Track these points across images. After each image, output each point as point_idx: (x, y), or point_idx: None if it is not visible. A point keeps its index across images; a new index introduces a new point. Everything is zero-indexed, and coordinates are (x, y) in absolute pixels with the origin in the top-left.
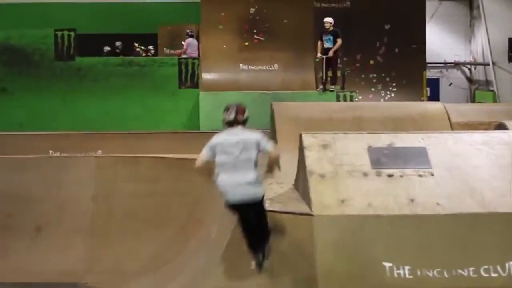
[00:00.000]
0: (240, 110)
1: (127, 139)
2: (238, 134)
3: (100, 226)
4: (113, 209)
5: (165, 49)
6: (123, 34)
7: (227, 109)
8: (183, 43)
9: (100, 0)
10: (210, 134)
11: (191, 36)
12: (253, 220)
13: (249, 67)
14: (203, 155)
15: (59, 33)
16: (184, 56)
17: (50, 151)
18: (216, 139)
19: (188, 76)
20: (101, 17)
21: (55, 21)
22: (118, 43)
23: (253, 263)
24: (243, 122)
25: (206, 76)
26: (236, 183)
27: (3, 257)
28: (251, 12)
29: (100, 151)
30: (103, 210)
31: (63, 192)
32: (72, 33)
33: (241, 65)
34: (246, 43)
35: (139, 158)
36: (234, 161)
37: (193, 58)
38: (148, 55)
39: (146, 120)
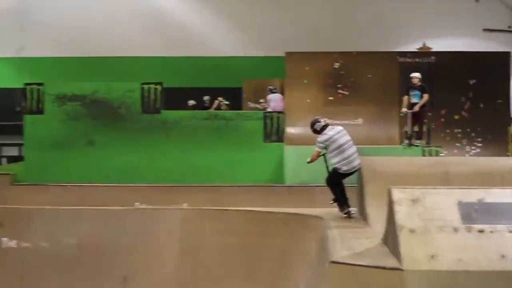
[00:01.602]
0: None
1: (212, 192)
2: None
3: (186, 278)
4: (200, 261)
5: (249, 103)
6: (207, 88)
7: (318, 121)
8: (267, 98)
9: (185, 54)
10: (295, 187)
11: (274, 92)
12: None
13: (333, 121)
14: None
15: (145, 87)
16: (269, 110)
17: (136, 203)
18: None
19: (273, 130)
20: (186, 70)
21: (142, 75)
22: (206, 98)
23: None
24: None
25: (290, 130)
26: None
27: None
28: (335, 66)
29: (185, 204)
30: (190, 262)
31: (150, 243)
32: (159, 87)
33: (325, 119)
34: (330, 97)
35: (225, 211)
36: None
37: (278, 112)
38: (221, 109)
39: (231, 173)
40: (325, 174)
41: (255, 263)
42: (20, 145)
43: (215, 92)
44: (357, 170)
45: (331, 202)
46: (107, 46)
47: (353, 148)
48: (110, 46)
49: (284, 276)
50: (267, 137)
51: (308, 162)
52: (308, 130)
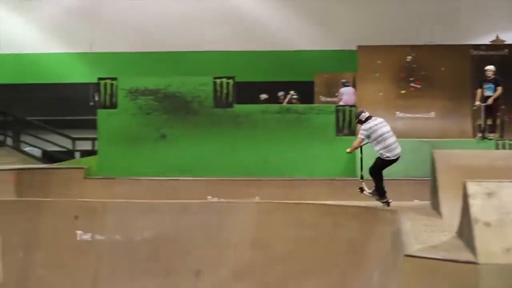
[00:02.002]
0: None
1: (284, 186)
2: None
3: (260, 272)
4: (272, 255)
5: (321, 96)
6: (279, 82)
7: (363, 112)
8: (339, 91)
9: (257, 48)
10: (367, 181)
11: (346, 86)
12: None
13: (406, 114)
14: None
15: (218, 81)
16: (341, 103)
17: (209, 197)
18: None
19: (345, 124)
20: (258, 65)
21: (214, 69)
22: (280, 93)
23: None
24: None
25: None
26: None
27: None
28: (408, 60)
29: (257, 197)
30: (262, 256)
31: (222, 237)
32: (231, 81)
33: (397, 112)
34: (403, 91)
35: (299, 204)
36: None
37: (350, 106)
38: (292, 102)
39: (303, 167)
40: (396, 167)
41: (328, 257)
42: (93, 139)
43: (286, 86)
44: (398, 159)
45: (361, 191)
46: (180, 40)
47: (394, 138)
48: (183, 41)
49: (357, 269)
50: (339, 130)
51: (348, 152)
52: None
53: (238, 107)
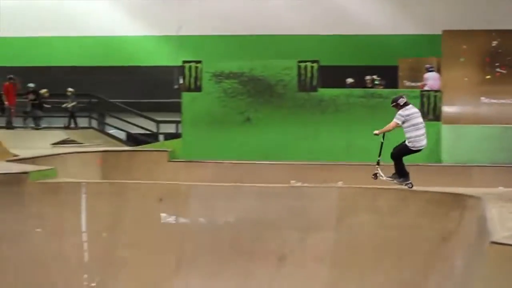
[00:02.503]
0: None
1: (368, 171)
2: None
3: (342, 257)
4: (355, 240)
5: (405, 81)
6: (362, 66)
7: (401, 96)
8: (424, 76)
9: (341, 32)
10: (452, 167)
11: (431, 71)
12: None
13: (491, 100)
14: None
15: (302, 65)
16: (425, 88)
17: (292, 181)
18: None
19: (430, 109)
20: (341, 49)
21: (298, 53)
22: (367, 77)
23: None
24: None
25: (447, 109)
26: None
27: (246, 281)
28: (493, 45)
29: (341, 182)
30: (345, 241)
31: (306, 221)
32: (315, 65)
33: (482, 98)
34: (488, 76)
35: (382, 190)
36: None
37: (435, 91)
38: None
39: (387, 152)
40: (481, 154)
41: (410, 243)
42: (177, 122)
43: (370, 71)
44: (421, 150)
45: (375, 177)
46: (265, 24)
47: (424, 130)
48: (267, 24)
49: (440, 256)
50: (424, 116)
51: (376, 134)
52: (467, 109)
53: (322, 91)
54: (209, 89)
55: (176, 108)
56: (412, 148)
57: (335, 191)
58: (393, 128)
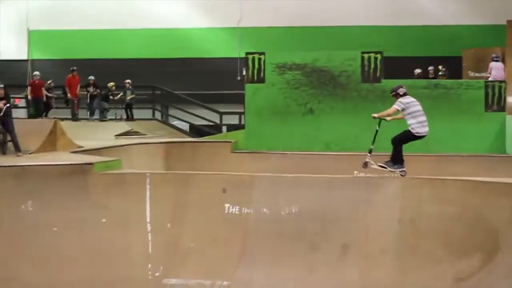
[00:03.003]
0: None
1: (431, 162)
2: None
3: (406, 248)
4: (419, 231)
5: (469, 72)
6: (426, 58)
7: (401, 86)
8: (489, 66)
9: (404, 23)
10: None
11: (496, 61)
12: None
13: None
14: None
15: (365, 56)
16: (490, 79)
17: (355, 172)
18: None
19: (495, 99)
20: (405, 40)
21: (362, 44)
22: (430, 68)
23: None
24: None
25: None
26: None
27: (310, 272)
28: None
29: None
30: (409, 232)
31: (369, 212)
32: (379, 56)
33: None
34: None
35: (445, 180)
36: None
37: (500, 82)
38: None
39: (450, 142)
40: None
41: (473, 234)
42: (240, 113)
43: (434, 62)
44: (425, 137)
45: (365, 166)
46: (327, 15)
47: (425, 117)
48: (330, 16)
49: (505, 249)
50: (488, 106)
51: (375, 117)
52: None
53: (386, 82)
54: (272, 81)
55: (238, 99)
56: (416, 134)
57: (399, 181)
58: (393, 113)
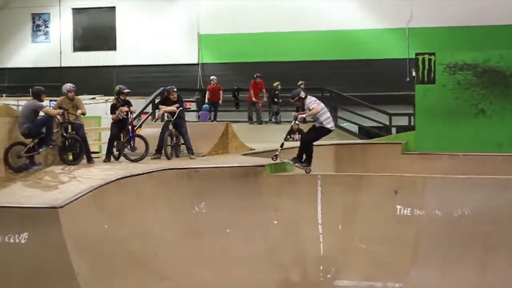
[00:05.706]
0: None
1: None
2: None
3: None
4: None
5: None
6: None
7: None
8: None
9: None
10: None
11: None
12: None
13: None
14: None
15: None
16: None
17: None
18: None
19: None
20: None
21: None
22: None
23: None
24: None
25: None
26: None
27: (483, 273)
28: None
29: None
30: None
31: None
32: None
33: None
34: None
35: None
36: None
37: None
38: None
39: None
40: None
41: None
42: (409, 114)
43: None
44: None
45: (275, 158)
46: (500, 13)
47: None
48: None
49: None
50: None
51: (303, 118)
52: None
53: None
54: (443, 81)
55: (407, 100)
56: (330, 129)
57: None
58: (317, 113)
